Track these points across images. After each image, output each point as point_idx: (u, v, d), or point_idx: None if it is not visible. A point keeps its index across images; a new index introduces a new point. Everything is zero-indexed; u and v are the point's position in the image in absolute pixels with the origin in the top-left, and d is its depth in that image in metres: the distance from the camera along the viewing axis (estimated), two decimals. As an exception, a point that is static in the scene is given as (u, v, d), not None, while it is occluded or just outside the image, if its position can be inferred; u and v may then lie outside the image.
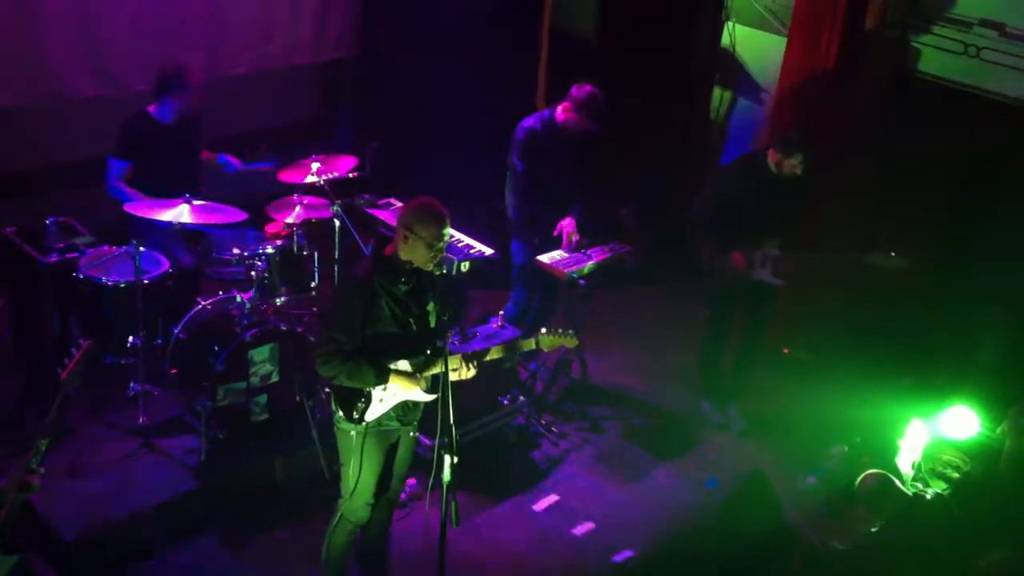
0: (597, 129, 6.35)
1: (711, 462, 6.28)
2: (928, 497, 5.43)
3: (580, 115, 6.27)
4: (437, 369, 4.53)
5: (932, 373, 6.48)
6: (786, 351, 7.28)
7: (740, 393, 6.71)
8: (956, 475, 5.64)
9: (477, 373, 4.61)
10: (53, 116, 6.61)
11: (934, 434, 5.84)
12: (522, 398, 6.35)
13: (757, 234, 6.10)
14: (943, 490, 5.55)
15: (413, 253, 4.43)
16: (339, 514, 4.80)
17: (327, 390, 4.75)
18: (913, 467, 5.81)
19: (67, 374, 4.02)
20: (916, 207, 7.09)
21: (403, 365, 4.57)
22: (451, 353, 4.49)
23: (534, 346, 4.81)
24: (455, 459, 4.14)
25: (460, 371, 4.55)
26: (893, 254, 5.99)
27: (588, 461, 6.23)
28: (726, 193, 6.18)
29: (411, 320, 4.55)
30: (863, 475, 5.59)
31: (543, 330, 4.83)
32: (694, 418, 6.71)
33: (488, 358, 4.68)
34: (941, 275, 6.86)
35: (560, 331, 4.84)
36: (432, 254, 4.42)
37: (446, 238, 4.45)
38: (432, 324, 4.66)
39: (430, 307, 4.65)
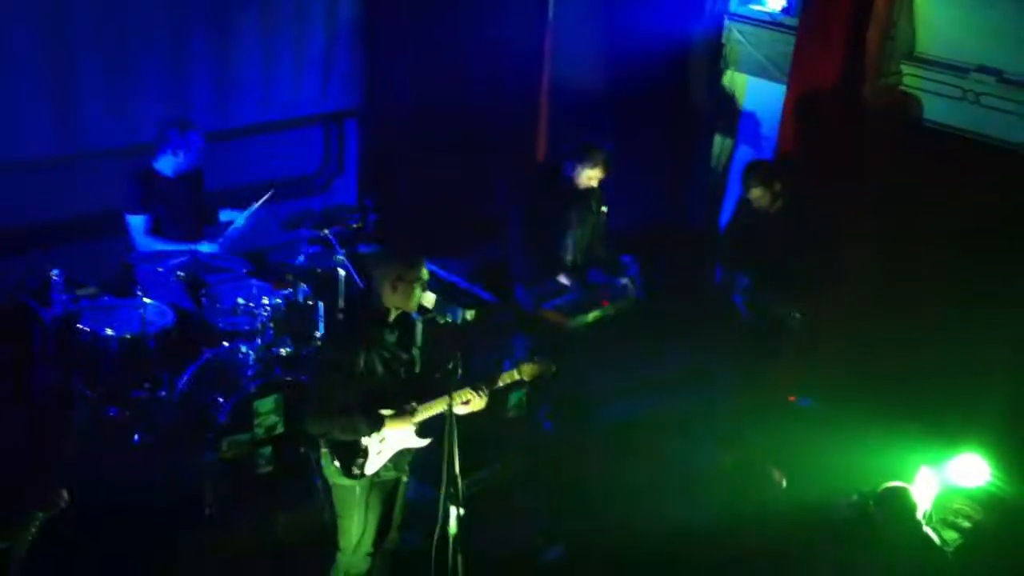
0: (601, 183, 6.42)
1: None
2: (948, 551, 5.33)
3: (584, 170, 6.34)
4: (437, 409, 4.53)
5: (941, 419, 6.43)
6: (792, 399, 7.22)
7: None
8: (967, 524, 5.57)
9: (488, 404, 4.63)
10: (55, 170, 6.62)
11: (944, 482, 5.78)
12: None
13: None
14: (954, 540, 5.48)
15: (404, 299, 4.51)
16: (340, 570, 4.77)
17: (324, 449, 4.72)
18: (924, 516, 5.75)
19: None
20: (919, 252, 7.09)
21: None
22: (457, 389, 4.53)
23: (516, 376, 4.82)
24: (461, 511, 4.11)
25: (473, 402, 4.58)
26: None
27: (593, 507, 6.16)
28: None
29: (400, 369, 4.61)
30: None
31: (522, 360, 4.86)
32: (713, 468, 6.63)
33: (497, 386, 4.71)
34: (948, 320, 6.84)
35: (538, 359, 4.87)
36: (421, 294, 4.53)
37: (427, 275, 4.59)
38: (417, 369, 4.69)
39: (415, 351, 4.70)
